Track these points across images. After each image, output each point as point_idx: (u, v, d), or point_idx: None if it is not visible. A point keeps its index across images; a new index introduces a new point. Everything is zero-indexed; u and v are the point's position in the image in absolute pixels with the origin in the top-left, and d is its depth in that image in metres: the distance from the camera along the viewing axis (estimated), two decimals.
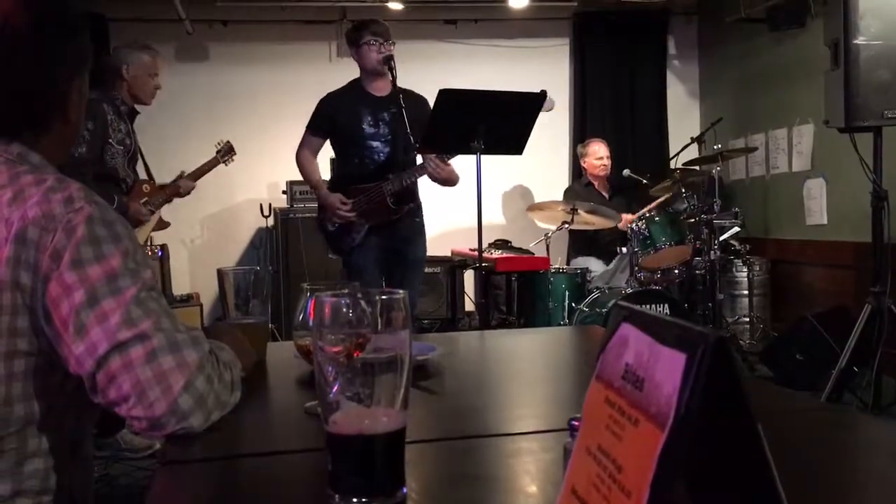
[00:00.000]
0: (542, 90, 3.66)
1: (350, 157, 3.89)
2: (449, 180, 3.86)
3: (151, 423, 1.05)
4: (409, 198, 3.89)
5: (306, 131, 3.95)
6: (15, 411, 1.09)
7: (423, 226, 4.02)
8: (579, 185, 5.81)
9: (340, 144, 3.95)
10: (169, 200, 4.14)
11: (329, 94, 3.94)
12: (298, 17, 6.29)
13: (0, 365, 1.07)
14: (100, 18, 5.78)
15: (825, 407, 1.68)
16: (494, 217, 6.52)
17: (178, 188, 4.14)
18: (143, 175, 4.12)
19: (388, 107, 3.79)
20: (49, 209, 1.08)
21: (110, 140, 3.59)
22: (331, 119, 3.87)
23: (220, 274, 1.54)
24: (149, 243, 5.22)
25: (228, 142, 4.50)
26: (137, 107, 3.88)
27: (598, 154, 5.64)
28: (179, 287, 6.05)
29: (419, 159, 3.85)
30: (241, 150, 4.61)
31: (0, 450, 1.09)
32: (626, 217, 5.15)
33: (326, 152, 4.11)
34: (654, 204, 5.04)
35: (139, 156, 3.93)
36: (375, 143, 3.82)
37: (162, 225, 4.09)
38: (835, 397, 3.58)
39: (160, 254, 5.49)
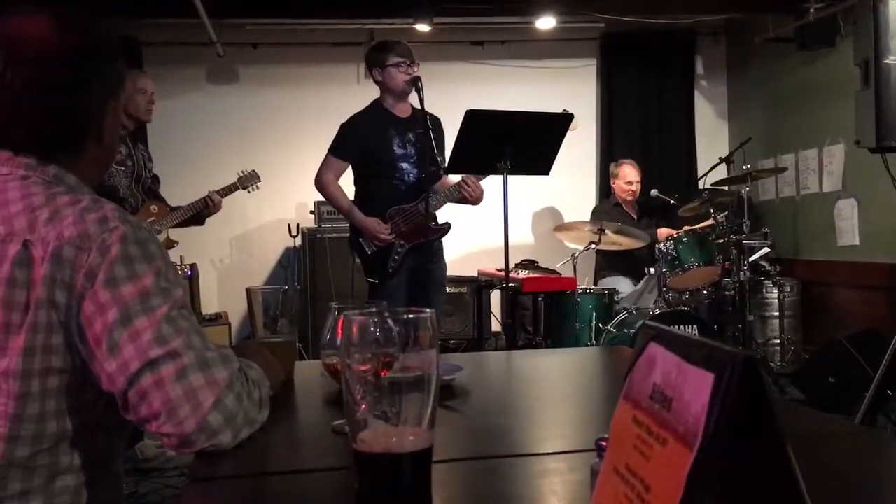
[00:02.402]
0: (563, 110, 3.67)
1: (379, 179, 3.82)
2: (479, 200, 3.87)
3: (181, 439, 1.06)
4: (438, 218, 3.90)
5: (329, 155, 3.86)
6: (48, 428, 1.11)
7: (442, 246, 4.00)
8: (608, 204, 5.78)
9: (369, 167, 3.85)
10: (193, 217, 4.17)
11: (353, 117, 3.87)
12: (327, 39, 6.36)
13: (35, 382, 1.09)
14: (133, 42, 5.89)
15: (858, 430, 1.65)
16: (521, 237, 6.51)
17: (207, 201, 4.17)
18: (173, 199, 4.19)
19: (413, 128, 3.79)
20: (84, 229, 1.10)
21: None
22: (360, 142, 3.81)
23: (249, 293, 1.56)
24: (179, 263, 5.28)
25: (253, 170, 4.52)
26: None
27: (628, 178, 5.61)
28: (208, 306, 6.10)
29: (447, 179, 3.86)
30: (270, 170, 4.66)
31: (32, 466, 1.10)
32: (664, 231, 5.14)
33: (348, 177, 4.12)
34: (700, 226, 5.02)
35: (148, 176, 3.98)
36: (405, 165, 3.80)
37: (169, 244, 4.12)
38: (868, 420, 3.52)
39: (189, 273, 5.54)
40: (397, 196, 3.80)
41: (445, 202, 3.85)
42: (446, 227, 3.86)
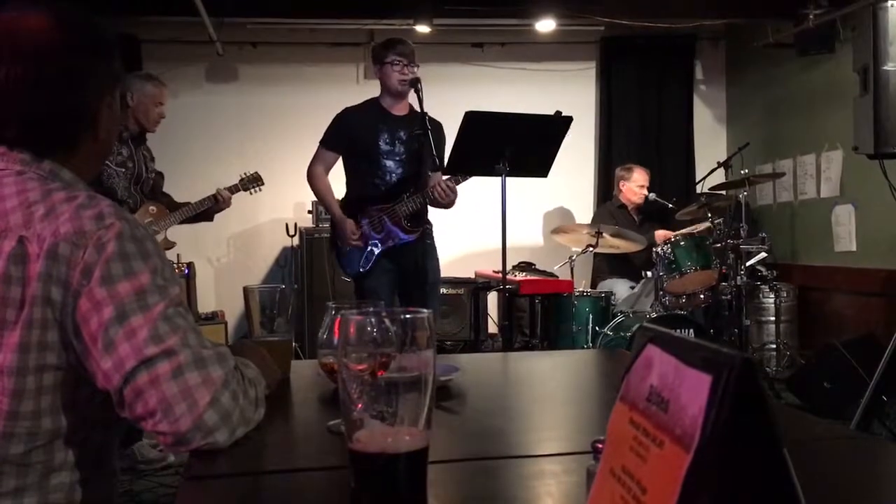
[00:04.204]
0: (556, 111, 3.66)
1: (363, 175, 3.84)
2: (449, 205, 3.82)
3: (177, 438, 1.06)
4: (423, 219, 3.86)
5: (320, 146, 3.89)
6: (43, 424, 1.10)
7: (434, 248, 3.97)
8: (612, 206, 5.78)
9: (354, 161, 3.88)
10: (201, 213, 4.17)
11: (346, 110, 3.89)
12: (326, 39, 6.36)
13: (30, 378, 1.08)
14: (132, 40, 5.89)
15: (853, 436, 1.65)
16: (519, 239, 6.50)
17: (217, 197, 4.17)
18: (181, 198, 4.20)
19: (407, 127, 3.77)
20: (80, 226, 1.10)
21: (108, 162, 3.65)
22: (347, 134, 3.82)
23: (246, 292, 1.56)
24: (176, 261, 5.28)
25: (256, 172, 4.53)
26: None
27: (639, 182, 5.62)
28: (205, 305, 6.10)
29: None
30: (268, 169, 4.66)
31: (27, 463, 1.10)
32: (661, 233, 5.14)
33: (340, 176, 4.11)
34: (690, 230, 5.02)
35: (149, 177, 3.98)
36: (389, 163, 3.79)
37: (167, 245, 4.12)
38: (863, 426, 3.52)
39: (186, 272, 5.53)
40: (377, 195, 3.79)
41: (421, 205, 3.78)
42: (420, 231, 3.81)
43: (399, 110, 3.83)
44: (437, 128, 3.83)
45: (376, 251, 3.80)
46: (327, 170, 3.93)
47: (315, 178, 3.91)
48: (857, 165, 4.83)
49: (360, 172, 3.87)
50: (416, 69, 3.77)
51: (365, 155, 3.81)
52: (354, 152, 3.86)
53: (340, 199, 3.97)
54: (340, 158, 3.94)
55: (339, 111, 3.92)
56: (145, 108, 3.83)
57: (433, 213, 3.95)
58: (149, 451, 3.60)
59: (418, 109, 3.70)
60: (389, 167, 3.80)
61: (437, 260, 3.99)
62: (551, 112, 3.70)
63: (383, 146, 3.79)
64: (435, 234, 4.00)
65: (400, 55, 3.75)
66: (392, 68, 3.75)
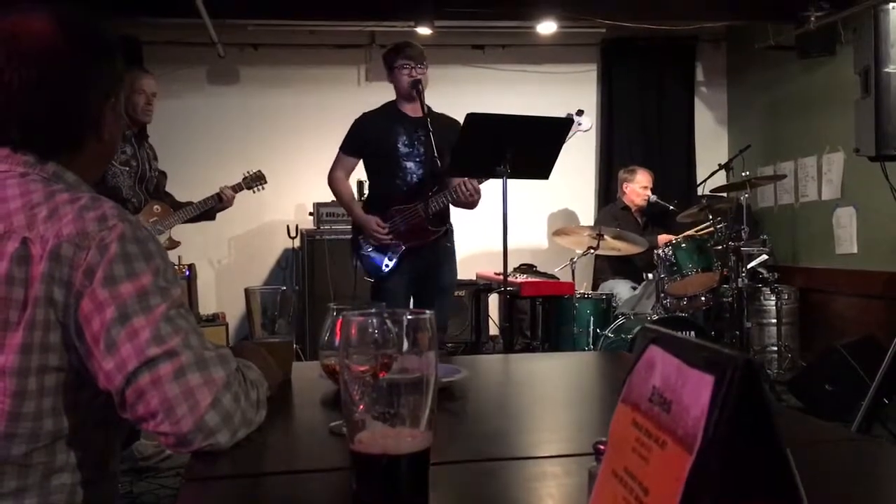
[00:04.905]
0: (579, 109, 3.67)
1: (384, 177, 3.89)
2: (473, 204, 3.86)
3: (178, 439, 1.06)
4: (444, 220, 3.89)
5: (340, 152, 3.96)
6: (44, 426, 1.10)
7: (453, 250, 4.00)
8: (615, 208, 5.78)
9: (375, 164, 3.94)
10: (203, 212, 4.17)
11: (364, 115, 3.95)
12: (328, 41, 6.37)
13: (32, 380, 1.09)
14: (134, 41, 5.89)
15: (855, 438, 1.65)
16: (520, 241, 6.51)
17: (222, 196, 4.17)
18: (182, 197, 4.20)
19: (424, 127, 3.80)
20: (83, 227, 1.10)
21: (112, 161, 3.64)
22: (366, 139, 3.88)
23: (248, 293, 1.56)
24: (177, 263, 5.28)
25: (259, 171, 4.53)
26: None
27: (643, 183, 5.63)
28: (206, 306, 6.09)
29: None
30: (270, 171, 4.66)
31: (28, 464, 1.10)
32: (663, 237, 5.14)
33: (356, 175, 4.14)
34: (692, 232, 5.03)
35: (153, 176, 3.97)
36: (409, 164, 3.83)
37: (172, 244, 4.13)
38: (864, 428, 3.51)
39: (188, 273, 5.53)
40: (398, 195, 3.83)
41: (445, 204, 3.84)
42: (443, 230, 3.84)
43: (414, 112, 3.85)
44: (450, 127, 3.83)
45: (399, 251, 3.83)
46: (347, 174, 4.00)
47: (336, 183, 3.97)
48: (859, 167, 4.83)
49: (381, 174, 3.93)
50: (424, 70, 3.80)
51: (385, 157, 3.86)
52: (374, 155, 3.92)
53: (362, 201, 4.02)
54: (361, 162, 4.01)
55: (339, 113, 3.97)
56: (129, 101, 3.79)
57: None
58: (146, 448, 3.59)
59: (432, 110, 3.76)
60: (410, 168, 3.84)
61: (455, 264, 4.03)
62: (552, 114, 3.71)
63: (402, 148, 3.83)
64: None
65: (407, 58, 3.80)
66: (401, 71, 3.81)
